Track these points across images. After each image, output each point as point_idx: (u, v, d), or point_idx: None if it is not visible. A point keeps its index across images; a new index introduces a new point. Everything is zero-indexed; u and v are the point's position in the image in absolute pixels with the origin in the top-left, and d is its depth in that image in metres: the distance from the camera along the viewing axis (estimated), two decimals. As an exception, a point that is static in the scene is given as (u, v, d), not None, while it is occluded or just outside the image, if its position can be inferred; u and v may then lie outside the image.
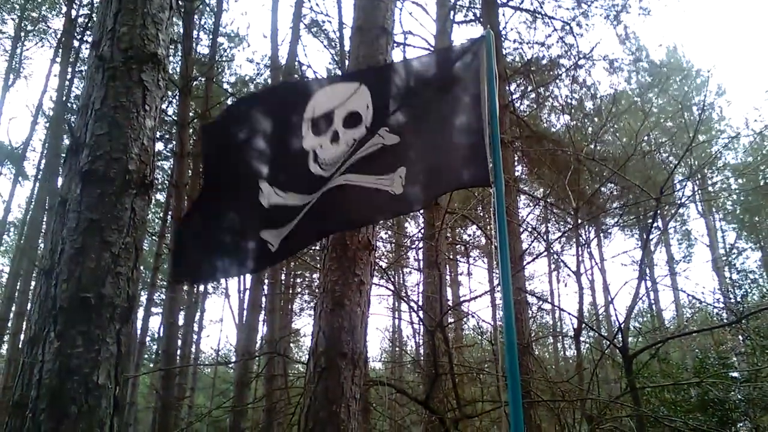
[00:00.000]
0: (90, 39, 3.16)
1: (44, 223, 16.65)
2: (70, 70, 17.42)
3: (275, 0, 14.30)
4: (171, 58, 18.89)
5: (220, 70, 20.55)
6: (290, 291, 23.88)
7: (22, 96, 42.45)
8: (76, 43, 17.60)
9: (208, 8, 18.00)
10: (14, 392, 2.78)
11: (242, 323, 16.17)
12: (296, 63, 13.73)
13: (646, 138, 14.22)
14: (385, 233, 21.00)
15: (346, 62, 8.56)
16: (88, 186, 2.74)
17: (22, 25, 19.77)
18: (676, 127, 20.20)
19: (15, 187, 19.85)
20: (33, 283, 15.37)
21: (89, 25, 16.21)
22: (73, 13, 17.79)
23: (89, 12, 17.03)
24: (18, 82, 25.25)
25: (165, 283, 17.67)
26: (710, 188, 22.17)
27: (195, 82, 15.91)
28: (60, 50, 18.29)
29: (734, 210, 28.11)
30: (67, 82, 17.20)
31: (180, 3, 15.58)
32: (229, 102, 20.49)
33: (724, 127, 28.50)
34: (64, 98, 16.85)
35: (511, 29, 15.45)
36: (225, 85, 20.68)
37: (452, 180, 3.05)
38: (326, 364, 3.85)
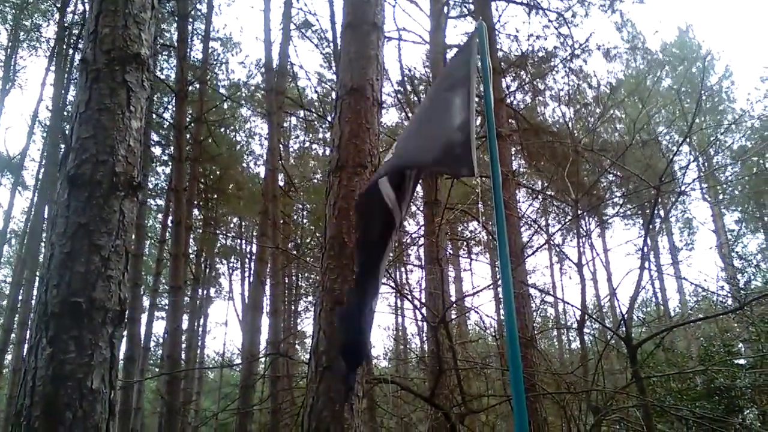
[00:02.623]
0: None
1: (44, 232, 16.66)
2: (66, 77, 17.40)
3: (267, 2, 14.25)
4: (166, 63, 18.96)
5: (214, 73, 20.55)
6: (293, 292, 23.91)
7: (18, 105, 42.59)
8: (70, 51, 17.60)
9: (200, 13, 17.96)
10: (17, 402, 2.76)
11: (246, 325, 16.17)
12: (288, 63, 13.75)
13: (645, 126, 14.15)
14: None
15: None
16: (75, 190, 2.71)
17: (16, 34, 19.73)
18: (674, 114, 20.15)
19: (14, 197, 19.82)
20: (35, 292, 15.36)
21: (81, 32, 16.20)
22: (68, 20, 17.78)
23: (81, 19, 17.02)
24: (13, 91, 25.28)
25: (167, 287, 17.66)
26: (714, 173, 22.01)
27: (191, 87, 15.86)
28: (54, 58, 18.27)
29: (733, 195, 27.93)
30: (63, 90, 17.17)
31: (171, 9, 15.59)
32: (225, 106, 20.57)
33: (730, 107, 28.30)
34: (60, 106, 16.80)
35: (506, 22, 15.37)
36: (221, 90, 20.69)
37: (439, 163, 3.00)
38: (327, 363, 3.81)
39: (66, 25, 17.60)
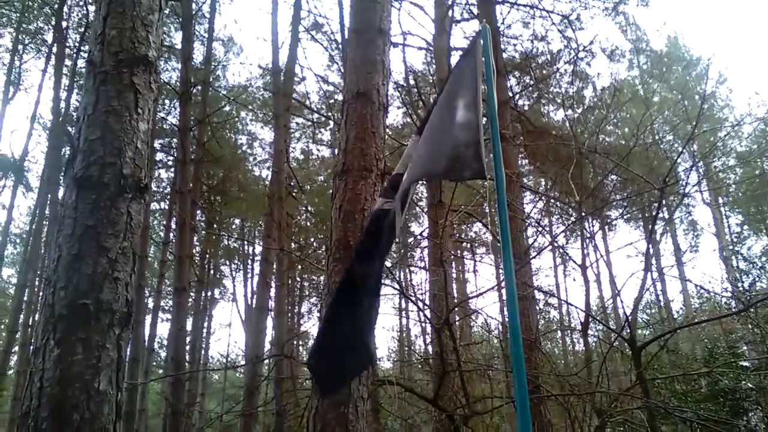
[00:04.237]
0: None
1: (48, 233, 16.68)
2: (68, 81, 17.41)
3: (275, 4, 14.26)
4: (167, 66, 18.97)
5: (216, 74, 20.57)
6: (296, 293, 23.93)
7: (23, 108, 42.81)
8: (73, 54, 17.62)
9: (200, 12, 17.95)
10: (23, 403, 2.78)
11: (250, 327, 16.17)
12: (297, 66, 13.78)
13: (648, 128, 14.14)
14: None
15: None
16: (82, 192, 2.72)
17: (19, 38, 19.74)
18: (677, 117, 20.09)
19: (14, 198, 19.75)
20: (40, 294, 15.37)
21: (85, 36, 16.23)
22: (64, 24, 17.81)
23: (85, 23, 17.04)
24: (18, 94, 25.30)
25: (171, 289, 17.68)
26: (716, 176, 21.97)
27: (194, 89, 15.88)
28: (52, 61, 18.27)
29: (736, 198, 27.82)
30: (65, 93, 17.18)
31: (173, 9, 15.60)
32: (227, 108, 20.61)
33: (727, 114, 28.18)
34: (62, 109, 16.80)
35: (509, 25, 15.35)
36: (223, 91, 20.72)
37: (450, 171, 3.01)
38: (332, 364, 3.81)
39: (63, 28, 17.61)
